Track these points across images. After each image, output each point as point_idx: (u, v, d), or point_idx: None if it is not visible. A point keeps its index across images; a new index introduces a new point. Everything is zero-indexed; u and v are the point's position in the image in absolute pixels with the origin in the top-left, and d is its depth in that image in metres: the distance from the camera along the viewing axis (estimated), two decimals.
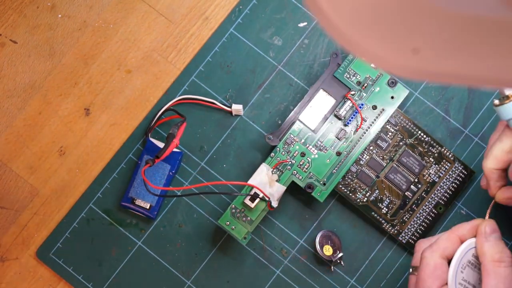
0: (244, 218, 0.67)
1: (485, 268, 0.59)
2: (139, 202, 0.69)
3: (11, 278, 0.70)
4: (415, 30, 0.29)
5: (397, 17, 0.29)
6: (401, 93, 0.69)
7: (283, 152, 0.68)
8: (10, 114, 0.71)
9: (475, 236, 0.61)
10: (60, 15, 0.72)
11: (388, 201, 0.69)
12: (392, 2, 0.29)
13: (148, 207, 0.69)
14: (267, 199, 0.66)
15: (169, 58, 0.72)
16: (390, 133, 0.70)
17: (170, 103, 0.70)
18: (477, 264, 0.61)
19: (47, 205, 0.70)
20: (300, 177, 0.68)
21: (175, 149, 0.68)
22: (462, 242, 0.61)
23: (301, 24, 0.72)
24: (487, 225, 0.60)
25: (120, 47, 0.72)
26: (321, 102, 0.68)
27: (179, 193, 0.70)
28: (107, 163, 0.71)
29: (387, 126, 0.70)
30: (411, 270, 0.63)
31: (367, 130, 0.68)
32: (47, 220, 0.70)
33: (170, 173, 0.69)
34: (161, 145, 0.70)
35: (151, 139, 0.70)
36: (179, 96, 0.71)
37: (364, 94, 0.69)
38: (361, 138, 0.68)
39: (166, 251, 0.70)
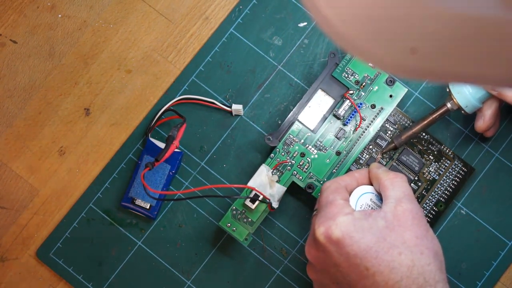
0: (245, 220, 0.67)
1: (382, 186, 0.62)
2: (139, 202, 0.69)
3: (11, 278, 0.70)
4: (413, 30, 0.29)
5: (395, 16, 0.29)
6: (400, 91, 0.69)
7: (283, 153, 0.68)
8: (10, 114, 0.71)
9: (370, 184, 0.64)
10: (60, 15, 0.72)
11: None
12: (390, 2, 0.29)
13: (148, 207, 0.69)
14: (267, 201, 0.66)
15: (169, 58, 0.72)
16: (389, 132, 0.70)
17: (170, 103, 0.70)
18: (374, 206, 0.63)
19: (47, 205, 0.70)
20: (300, 177, 0.68)
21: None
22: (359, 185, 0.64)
23: (301, 24, 0.72)
24: (374, 164, 0.66)
25: (120, 47, 0.72)
26: (319, 102, 0.68)
27: (178, 196, 0.70)
28: (107, 163, 0.71)
29: (386, 124, 0.70)
30: (314, 212, 0.63)
31: (366, 129, 0.68)
32: (47, 220, 0.70)
33: (170, 173, 0.69)
34: (161, 145, 0.70)
35: (151, 139, 0.70)
36: (179, 96, 0.71)
37: (363, 93, 0.69)
38: (360, 137, 0.68)
39: (166, 251, 0.70)
